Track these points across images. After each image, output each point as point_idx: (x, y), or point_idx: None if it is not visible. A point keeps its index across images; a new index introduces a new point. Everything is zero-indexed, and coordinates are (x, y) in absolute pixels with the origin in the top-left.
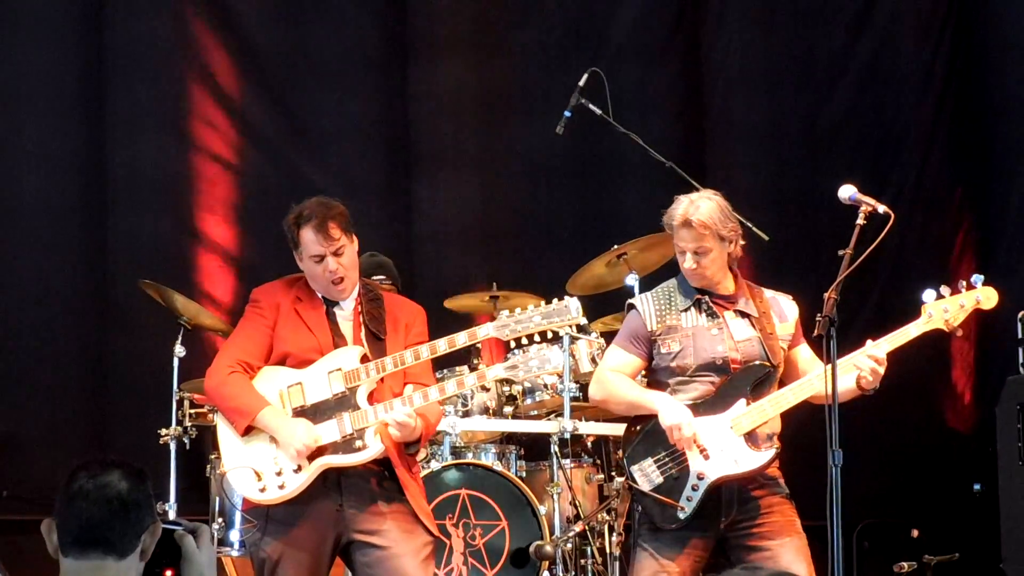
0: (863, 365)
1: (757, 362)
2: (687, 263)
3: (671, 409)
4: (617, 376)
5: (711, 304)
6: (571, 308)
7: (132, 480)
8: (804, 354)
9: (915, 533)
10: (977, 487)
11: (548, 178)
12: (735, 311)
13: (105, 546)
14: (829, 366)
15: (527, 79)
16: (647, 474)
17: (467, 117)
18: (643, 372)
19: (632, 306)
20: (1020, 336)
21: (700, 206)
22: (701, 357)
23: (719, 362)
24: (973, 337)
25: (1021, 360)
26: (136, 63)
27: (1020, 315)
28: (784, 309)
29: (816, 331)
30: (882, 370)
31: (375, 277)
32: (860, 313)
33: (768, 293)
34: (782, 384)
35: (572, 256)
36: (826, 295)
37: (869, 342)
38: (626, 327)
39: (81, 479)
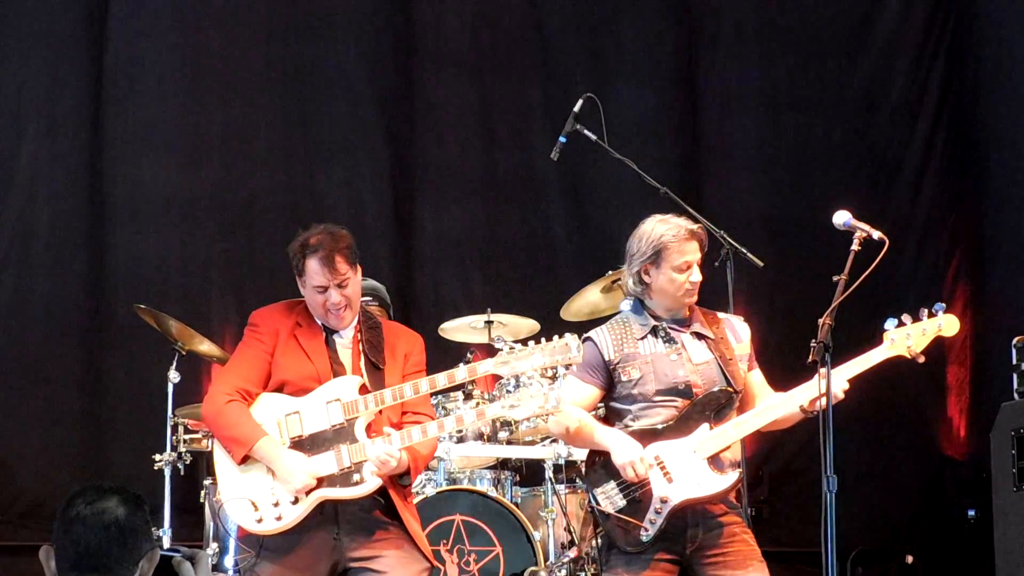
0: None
1: (718, 388)
2: (695, 276)
3: (622, 447)
4: (574, 410)
5: (667, 330)
6: (571, 347)
7: (130, 506)
8: (756, 378)
9: (909, 559)
10: (971, 513)
11: (545, 201)
12: (691, 334)
13: (103, 572)
14: (826, 388)
15: (527, 102)
16: (610, 497)
17: (469, 139)
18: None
19: (588, 338)
20: (1015, 362)
21: (683, 219)
22: (662, 382)
23: (681, 386)
24: (968, 363)
25: (1016, 386)
26: (136, 82)
27: (1015, 341)
28: (738, 330)
29: (811, 357)
30: (842, 396)
31: (363, 298)
32: (852, 339)
33: (721, 315)
34: (740, 410)
35: (568, 278)
36: (820, 321)
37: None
38: (583, 358)
39: (79, 505)
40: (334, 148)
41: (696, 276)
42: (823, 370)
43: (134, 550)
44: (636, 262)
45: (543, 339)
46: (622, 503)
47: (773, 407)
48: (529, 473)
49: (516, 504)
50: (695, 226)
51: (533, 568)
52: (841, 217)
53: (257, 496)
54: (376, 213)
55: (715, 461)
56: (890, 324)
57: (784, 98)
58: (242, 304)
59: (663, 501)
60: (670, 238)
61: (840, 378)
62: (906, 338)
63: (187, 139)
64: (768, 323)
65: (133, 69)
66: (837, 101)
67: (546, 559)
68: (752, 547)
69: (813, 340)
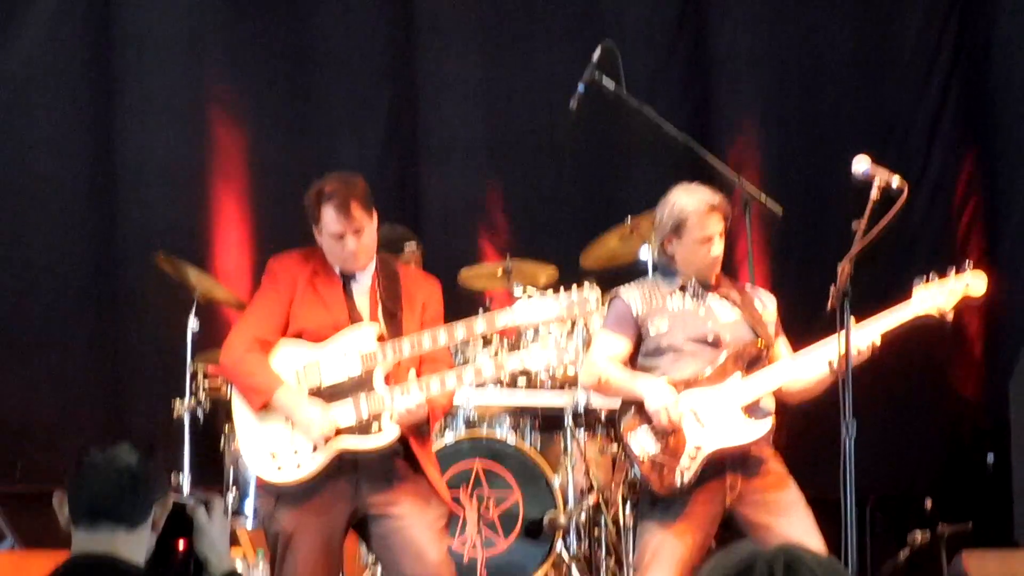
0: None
1: (749, 339)
2: (716, 249)
3: (656, 393)
4: (606, 362)
5: (696, 288)
6: (590, 299)
7: (141, 453)
8: (781, 347)
9: (928, 505)
10: (991, 459)
11: (558, 156)
12: (718, 295)
13: (115, 518)
14: (846, 337)
15: (534, 60)
16: (643, 443)
17: (476, 97)
18: (630, 359)
19: (616, 295)
20: None
21: (708, 191)
22: (691, 333)
23: (710, 338)
24: (985, 310)
25: None
26: (147, 44)
27: None
28: (764, 299)
29: (830, 304)
30: (867, 353)
31: (407, 243)
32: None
33: (747, 286)
34: None
35: (584, 231)
36: (840, 267)
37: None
38: (612, 313)
39: (92, 453)
40: (339, 113)
41: (717, 249)
42: (846, 324)
43: (146, 496)
44: (659, 233)
45: (562, 289)
46: (655, 449)
47: (804, 359)
48: (548, 419)
49: (535, 450)
50: (717, 199)
51: (552, 514)
52: (861, 164)
53: (276, 447)
54: (384, 171)
55: (750, 409)
56: (917, 282)
57: (793, 55)
58: (246, 266)
59: (697, 448)
60: (691, 211)
61: (867, 336)
62: (933, 298)
63: (193, 104)
64: (783, 276)
65: (141, 34)
66: (848, 57)
67: (565, 505)
68: (795, 493)
69: (832, 285)
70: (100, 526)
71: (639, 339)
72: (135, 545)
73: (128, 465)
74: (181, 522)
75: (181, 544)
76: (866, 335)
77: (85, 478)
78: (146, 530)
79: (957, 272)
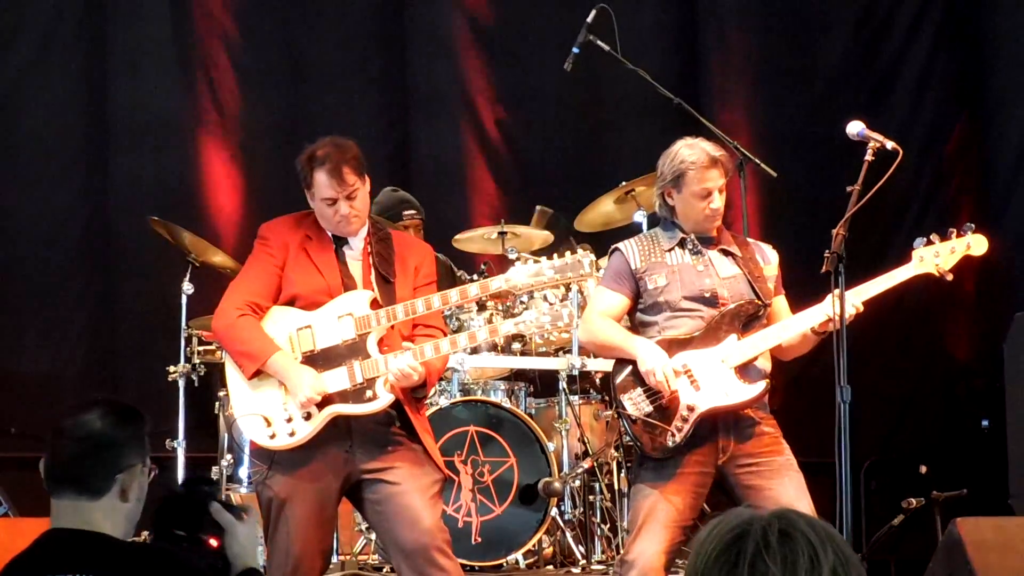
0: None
1: (747, 299)
2: (715, 203)
3: (649, 354)
4: (602, 320)
5: (695, 243)
6: (584, 264)
7: (113, 419)
8: (780, 303)
9: (923, 469)
10: (985, 423)
11: (549, 117)
12: (719, 250)
13: (76, 484)
14: (838, 301)
15: (526, 19)
16: (636, 403)
17: (467, 58)
18: (628, 313)
19: (616, 248)
20: None
21: (710, 145)
22: (689, 290)
23: (707, 294)
24: (977, 274)
25: None
26: (136, 4)
27: None
28: (767, 254)
29: (824, 267)
30: (853, 313)
31: (406, 213)
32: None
33: (750, 240)
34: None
35: (577, 195)
36: (834, 231)
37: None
38: (610, 267)
39: (64, 417)
40: (328, 71)
41: (717, 203)
42: (838, 290)
43: (110, 463)
44: (659, 184)
45: (555, 255)
46: (649, 408)
47: (801, 319)
48: (543, 384)
49: (530, 415)
50: (718, 153)
51: (547, 479)
52: (855, 127)
53: (270, 411)
54: (374, 133)
55: (744, 370)
56: (918, 243)
57: (781, 15)
58: (236, 226)
59: (690, 409)
60: (691, 164)
61: (857, 298)
62: (935, 256)
63: (184, 61)
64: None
65: None
66: (837, 15)
67: (560, 470)
68: (787, 456)
69: (827, 250)
70: (63, 495)
71: (637, 293)
72: (106, 515)
73: (91, 432)
74: (214, 521)
75: (214, 542)
76: (854, 299)
77: (54, 443)
78: (113, 499)
79: (958, 235)
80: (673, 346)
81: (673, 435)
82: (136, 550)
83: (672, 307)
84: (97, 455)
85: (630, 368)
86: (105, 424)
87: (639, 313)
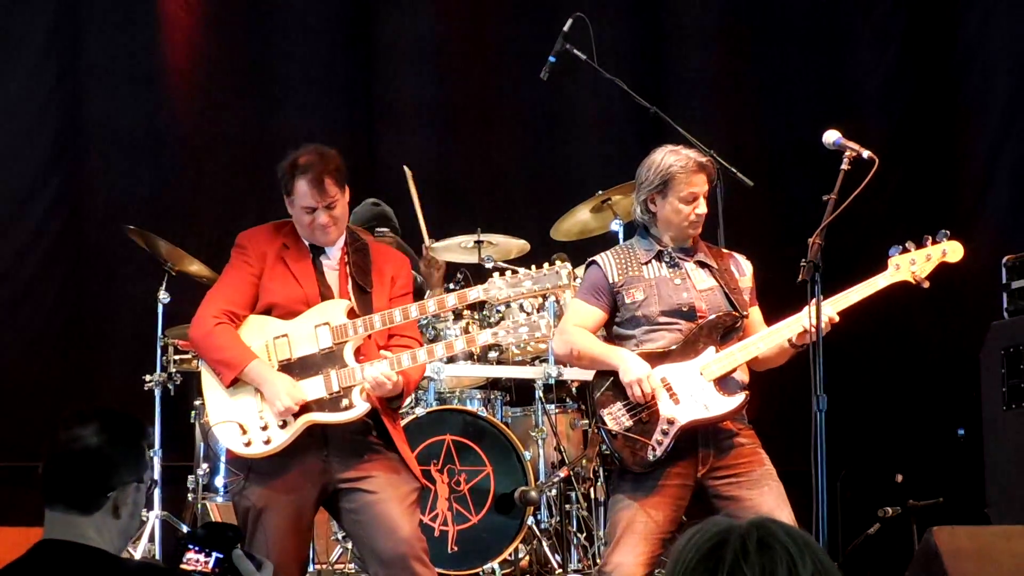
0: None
1: (725, 311)
2: (700, 208)
3: (630, 365)
4: (579, 332)
5: (672, 255)
6: (562, 275)
7: (109, 434)
8: (755, 315)
9: (899, 478)
10: (961, 432)
11: (529, 126)
12: (696, 262)
13: (66, 500)
14: (814, 311)
15: (494, 30)
16: (616, 417)
17: (440, 69)
18: (604, 327)
19: (593, 261)
20: (1004, 281)
21: (693, 151)
22: (666, 304)
23: (685, 308)
24: (953, 282)
25: (1005, 305)
26: (109, 12)
27: (1005, 260)
28: (742, 265)
29: (800, 276)
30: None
31: (378, 230)
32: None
33: (725, 250)
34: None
35: (551, 204)
36: (810, 240)
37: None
38: (587, 281)
39: (59, 430)
40: (295, 81)
41: (702, 208)
42: (815, 300)
43: (102, 480)
44: (643, 191)
45: (533, 266)
46: (629, 423)
47: (779, 330)
48: (519, 393)
49: (506, 424)
50: (704, 158)
51: (524, 488)
52: (831, 136)
53: (245, 419)
54: (341, 143)
55: (722, 383)
56: (894, 251)
57: (745, 28)
58: (204, 235)
59: (670, 422)
60: (678, 169)
61: (833, 308)
62: (911, 264)
63: (156, 70)
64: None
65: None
66: (801, 28)
67: (536, 479)
68: (767, 467)
69: (803, 260)
70: (56, 508)
71: (615, 307)
72: (98, 530)
73: (86, 447)
74: (234, 568)
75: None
76: (829, 310)
77: (48, 456)
78: (105, 516)
79: (933, 242)
80: (651, 359)
81: (654, 449)
82: (128, 567)
83: (650, 321)
84: (89, 472)
85: (609, 382)
86: (101, 440)
87: (616, 327)
